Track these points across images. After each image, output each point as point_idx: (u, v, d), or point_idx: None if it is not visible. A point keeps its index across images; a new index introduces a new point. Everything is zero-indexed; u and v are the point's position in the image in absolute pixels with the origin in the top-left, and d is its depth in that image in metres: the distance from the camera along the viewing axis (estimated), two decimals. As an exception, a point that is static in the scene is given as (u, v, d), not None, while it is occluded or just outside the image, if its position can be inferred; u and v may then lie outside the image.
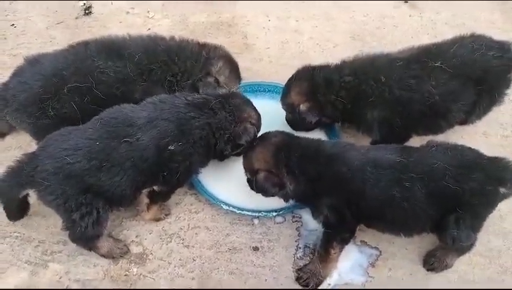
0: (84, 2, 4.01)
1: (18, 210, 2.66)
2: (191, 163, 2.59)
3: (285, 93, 3.00)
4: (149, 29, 3.84)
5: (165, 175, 2.54)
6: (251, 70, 3.54)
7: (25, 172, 2.38)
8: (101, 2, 4.04)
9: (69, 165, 2.34)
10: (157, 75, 2.82)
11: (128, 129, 2.42)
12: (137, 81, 2.77)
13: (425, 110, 2.73)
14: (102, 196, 2.44)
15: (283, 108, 3.06)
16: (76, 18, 3.93)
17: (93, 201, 2.42)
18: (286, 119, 3.09)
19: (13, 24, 3.88)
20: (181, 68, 2.87)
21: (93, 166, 2.36)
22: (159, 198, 2.75)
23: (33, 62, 2.75)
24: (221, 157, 2.82)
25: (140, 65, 2.78)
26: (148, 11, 3.98)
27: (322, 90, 2.84)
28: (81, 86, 2.66)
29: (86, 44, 2.81)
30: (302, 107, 2.90)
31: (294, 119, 3.01)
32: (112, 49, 2.79)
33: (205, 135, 2.58)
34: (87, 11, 3.96)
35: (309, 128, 3.04)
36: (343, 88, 2.80)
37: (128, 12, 3.97)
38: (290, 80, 3.00)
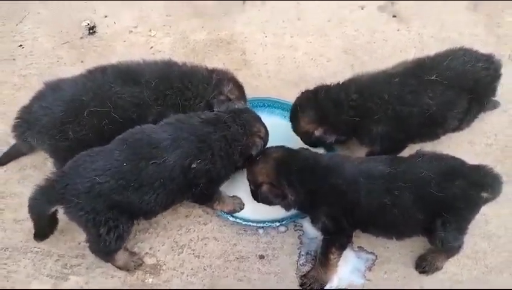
0: (88, 22, 4.14)
1: (48, 226, 2.79)
2: (217, 175, 2.78)
3: (296, 124, 3.09)
4: (151, 47, 3.99)
5: (194, 191, 2.74)
6: (250, 85, 3.64)
7: (55, 190, 2.53)
8: (104, 20, 4.17)
9: (99, 184, 2.50)
10: (172, 99, 2.95)
11: (154, 151, 2.58)
12: (153, 105, 2.91)
13: (424, 121, 2.88)
14: (128, 211, 2.62)
15: (298, 136, 3.13)
16: (81, 38, 4.05)
17: (118, 216, 2.60)
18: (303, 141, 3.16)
19: (21, 45, 3.99)
20: (194, 93, 3.00)
21: (121, 185, 2.52)
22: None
23: (54, 87, 2.88)
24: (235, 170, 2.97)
25: (156, 91, 2.91)
26: (150, 30, 4.11)
27: (332, 112, 2.93)
28: (99, 110, 2.80)
29: (103, 70, 2.94)
30: (317, 133, 3.00)
31: (312, 142, 3.08)
32: (128, 75, 2.92)
33: (223, 146, 2.73)
34: (91, 31, 4.09)
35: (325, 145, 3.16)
36: (351, 107, 2.89)
37: (131, 32, 4.10)
38: (294, 110, 3.08)
